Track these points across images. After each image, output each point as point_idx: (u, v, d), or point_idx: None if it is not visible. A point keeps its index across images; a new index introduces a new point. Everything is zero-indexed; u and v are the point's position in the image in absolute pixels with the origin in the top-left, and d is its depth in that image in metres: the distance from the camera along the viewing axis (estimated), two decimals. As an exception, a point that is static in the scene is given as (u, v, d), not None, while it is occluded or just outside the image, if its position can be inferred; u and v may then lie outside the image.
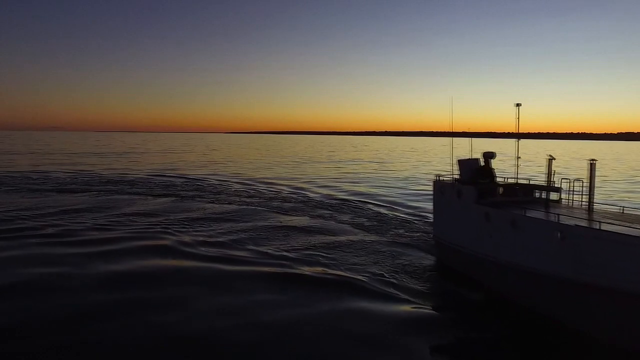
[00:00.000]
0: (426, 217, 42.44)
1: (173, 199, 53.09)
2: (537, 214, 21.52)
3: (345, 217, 43.25)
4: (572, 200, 23.99)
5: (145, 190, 59.61)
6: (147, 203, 49.63)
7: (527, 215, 21.19)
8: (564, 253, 18.68)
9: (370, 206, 50.06)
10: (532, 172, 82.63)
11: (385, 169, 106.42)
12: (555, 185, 24.79)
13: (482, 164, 27.73)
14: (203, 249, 30.88)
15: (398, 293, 23.37)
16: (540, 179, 28.97)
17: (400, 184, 72.60)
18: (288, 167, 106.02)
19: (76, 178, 73.19)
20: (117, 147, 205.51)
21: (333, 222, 40.83)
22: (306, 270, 26.66)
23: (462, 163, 28.12)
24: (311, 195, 58.20)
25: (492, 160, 27.42)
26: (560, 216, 19.64)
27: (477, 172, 27.27)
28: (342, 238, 34.54)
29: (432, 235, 30.98)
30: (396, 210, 47.63)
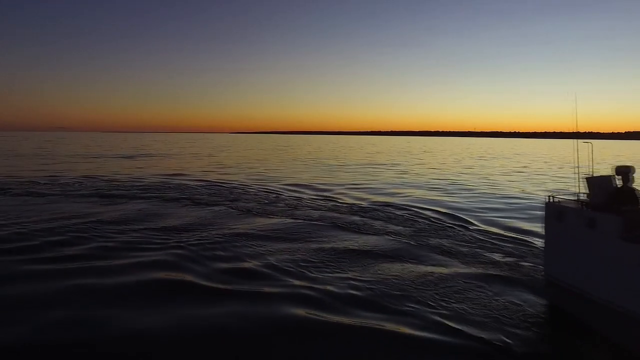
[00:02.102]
0: (525, 241, 33.82)
1: (191, 208, 47.40)
2: None
3: (412, 232, 36.51)
4: None
5: (159, 196, 54.28)
6: (162, 215, 43.77)
7: None
8: None
9: (445, 220, 41.99)
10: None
11: (447, 172, 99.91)
12: None
13: (618, 182, 20.81)
14: (231, 281, 25.01)
15: (492, 351, 17.17)
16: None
17: (483, 193, 63.38)
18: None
19: (84, 183, 68.44)
20: (125, 149, 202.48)
21: (397, 241, 33.87)
22: (360, 319, 20.30)
23: (592, 182, 21.09)
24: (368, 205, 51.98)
25: (632, 176, 20.36)
26: None
27: (615, 194, 20.36)
28: (410, 266, 27.87)
29: (542, 272, 23.83)
30: (485, 229, 38.92)
